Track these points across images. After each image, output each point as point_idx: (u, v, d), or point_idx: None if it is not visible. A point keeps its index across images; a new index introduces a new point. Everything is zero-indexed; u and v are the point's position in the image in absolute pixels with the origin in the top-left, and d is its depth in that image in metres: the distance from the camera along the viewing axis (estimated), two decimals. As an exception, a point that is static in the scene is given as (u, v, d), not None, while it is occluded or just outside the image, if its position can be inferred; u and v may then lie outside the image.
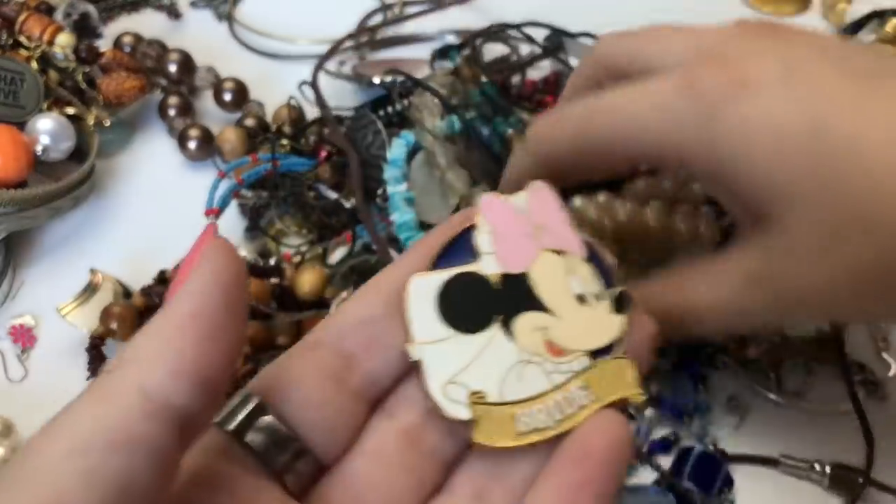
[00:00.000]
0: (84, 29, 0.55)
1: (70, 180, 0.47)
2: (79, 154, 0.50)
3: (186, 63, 0.56)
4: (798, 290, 0.29)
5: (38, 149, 0.47)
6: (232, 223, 0.47)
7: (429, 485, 0.24)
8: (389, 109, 0.47)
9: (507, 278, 0.24)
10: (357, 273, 0.42)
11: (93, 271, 0.44)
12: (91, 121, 0.51)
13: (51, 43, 0.51)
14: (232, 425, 0.22)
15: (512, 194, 0.26)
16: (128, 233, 0.49)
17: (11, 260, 0.47)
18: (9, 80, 0.47)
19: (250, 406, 0.22)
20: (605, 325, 0.25)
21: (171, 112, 0.55)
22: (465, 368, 0.23)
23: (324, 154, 0.48)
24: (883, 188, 0.26)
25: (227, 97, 0.55)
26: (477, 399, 0.23)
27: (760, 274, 0.30)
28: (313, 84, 0.52)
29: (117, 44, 0.58)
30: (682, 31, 0.33)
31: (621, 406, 0.24)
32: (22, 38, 0.51)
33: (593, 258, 0.25)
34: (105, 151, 0.53)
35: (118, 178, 0.53)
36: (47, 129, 0.47)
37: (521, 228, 0.25)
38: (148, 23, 0.64)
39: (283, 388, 0.23)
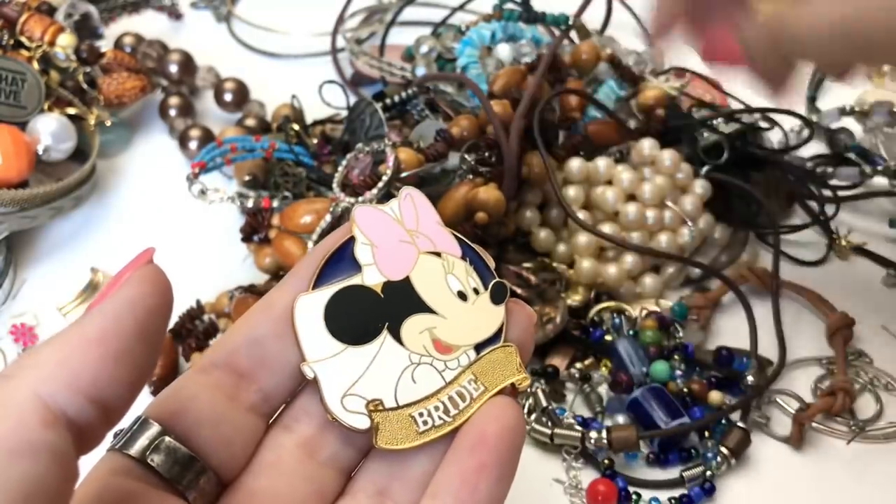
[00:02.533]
0: (85, 29, 0.56)
1: (71, 180, 0.47)
2: (80, 154, 0.50)
3: (187, 63, 0.57)
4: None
5: (40, 149, 0.47)
6: (231, 223, 0.47)
7: (329, 492, 0.25)
8: (388, 101, 0.48)
9: (390, 286, 0.25)
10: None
11: (94, 270, 0.44)
12: (92, 121, 0.51)
13: (52, 43, 0.51)
14: (134, 449, 0.22)
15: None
16: (128, 232, 0.49)
17: (13, 259, 0.47)
18: (10, 80, 0.47)
19: (152, 430, 0.23)
20: (486, 317, 0.25)
21: (172, 112, 0.55)
22: (359, 379, 0.24)
23: (326, 151, 0.49)
24: None
25: (228, 97, 0.56)
26: (374, 407, 0.24)
27: None
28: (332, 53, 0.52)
29: (118, 44, 0.58)
30: None
31: (510, 392, 0.25)
32: (23, 39, 0.51)
33: (468, 255, 0.26)
34: (106, 151, 0.53)
35: (119, 178, 0.53)
36: (49, 129, 0.47)
37: (396, 235, 0.26)
38: (149, 23, 0.65)
39: (181, 409, 0.23)
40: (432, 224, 0.26)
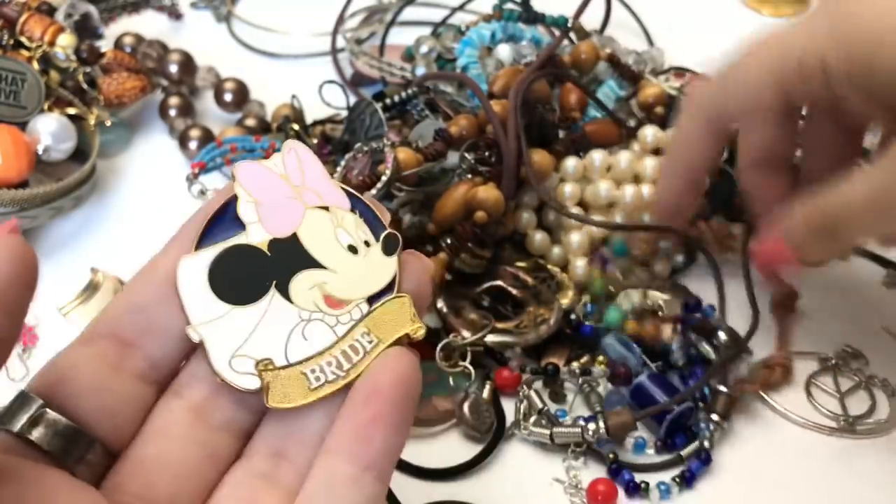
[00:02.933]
0: (85, 29, 0.56)
1: (71, 180, 0.47)
2: (80, 154, 0.50)
3: (187, 63, 0.57)
4: None
5: (40, 149, 0.47)
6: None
7: (224, 456, 0.24)
8: (388, 101, 0.48)
9: (276, 243, 0.25)
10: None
11: (94, 270, 0.44)
12: (92, 121, 0.51)
13: (52, 43, 0.51)
14: (15, 426, 0.22)
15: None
16: (128, 232, 0.50)
17: (13, 259, 0.47)
18: (10, 80, 0.47)
19: (33, 405, 0.22)
20: (378, 270, 0.25)
21: (172, 112, 0.55)
22: (247, 339, 0.24)
23: (326, 151, 0.49)
24: None
25: (228, 97, 0.56)
26: (264, 366, 0.23)
27: None
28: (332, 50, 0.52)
29: (118, 44, 0.58)
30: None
31: (406, 342, 0.25)
32: (23, 39, 0.51)
33: (357, 208, 0.26)
34: (106, 151, 0.53)
35: (119, 178, 0.53)
36: (49, 129, 0.47)
37: (281, 191, 0.25)
38: (149, 23, 0.65)
39: (62, 382, 0.23)
40: (319, 178, 0.26)
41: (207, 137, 0.53)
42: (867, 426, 0.40)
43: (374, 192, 0.39)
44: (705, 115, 0.38)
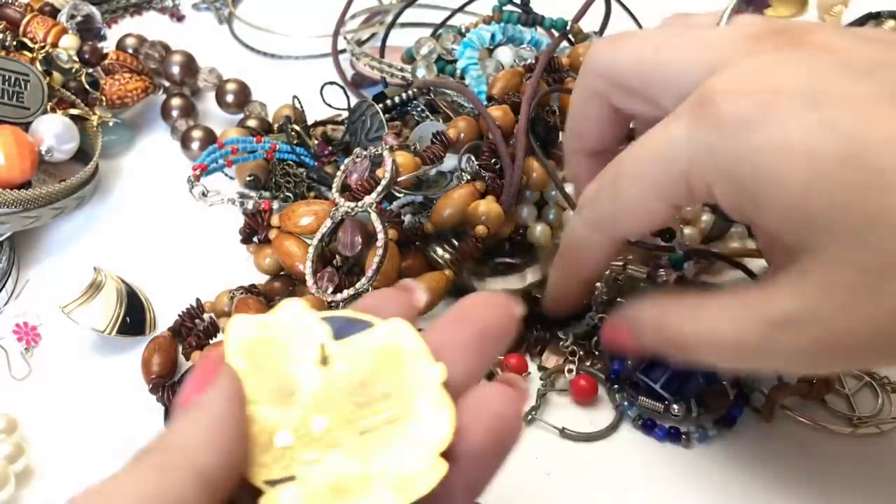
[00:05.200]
0: (87, 31, 0.56)
1: (74, 181, 0.48)
2: (82, 155, 0.50)
3: (189, 64, 0.57)
4: (833, 337, 0.27)
5: (43, 149, 0.47)
6: (233, 223, 0.47)
7: None
8: (388, 102, 0.48)
9: None
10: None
11: (96, 270, 0.44)
12: (95, 122, 0.51)
13: (55, 45, 0.52)
14: None
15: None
16: (130, 232, 0.50)
17: (16, 259, 0.47)
18: (13, 81, 0.48)
19: None
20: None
21: (174, 113, 0.55)
22: None
23: (326, 152, 0.49)
24: None
25: (230, 98, 0.56)
26: None
27: (791, 317, 0.27)
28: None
29: (120, 45, 0.58)
30: (685, 41, 0.31)
31: None
32: (26, 40, 0.51)
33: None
34: (108, 152, 0.54)
35: (121, 179, 0.53)
36: (51, 130, 0.48)
37: None
38: (151, 25, 0.65)
39: None
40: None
41: (209, 138, 0.53)
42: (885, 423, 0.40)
43: (374, 195, 0.40)
44: (600, 229, 0.34)
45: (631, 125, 0.38)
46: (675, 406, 0.38)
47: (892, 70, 0.26)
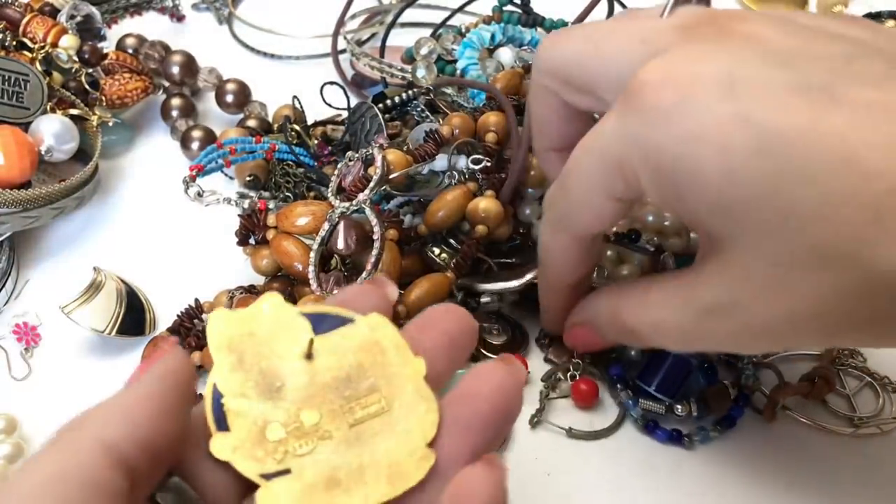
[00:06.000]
0: (87, 31, 0.56)
1: (73, 181, 0.47)
2: (82, 155, 0.50)
3: (189, 65, 0.57)
4: (756, 323, 0.28)
5: (43, 149, 0.47)
6: (233, 223, 0.47)
7: None
8: (388, 102, 0.48)
9: None
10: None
11: (96, 270, 0.44)
12: (94, 122, 0.51)
13: (55, 45, 0.52)
14: None
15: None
16: (130, 232, 0.50)
17: (16, 259, 0.47)
18: (13, 81, 0.47)
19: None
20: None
21: (174, 113, 0.55)
22: None
23: (326, 152, 0.49)
24: (839, 217, 0.24)
25: (230, 98, 0.56)
26: None
27: (716, 305, 0.28)
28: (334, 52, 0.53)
29: (120, 45, 0.58)
30: (624, 34, 0.31)
31: None
32: (26, 40, 0.51)
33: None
34: (108, 152, 0.54)
35: (121, 179, 0.53)
36: (51, 130, 0.48)
37: None
38: (151, 25, 0.65)
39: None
40: None
41: (209, 138, 0.53)
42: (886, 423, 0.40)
43: (366, 192, 0.40)
44: (560, 229, 0.35)
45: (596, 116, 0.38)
46: (679, 406, 0.38)
47: (811, 59, 0.26)
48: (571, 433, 0.39)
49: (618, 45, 0.31)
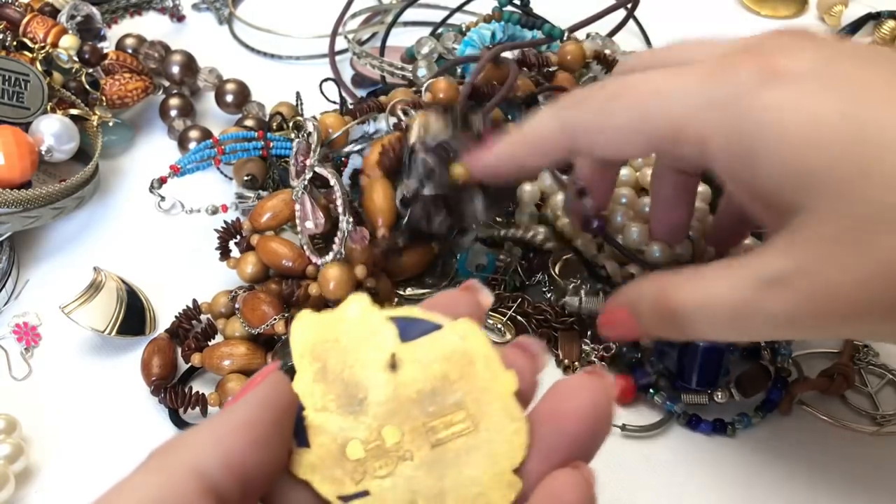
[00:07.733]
0: (87, 31, 0.56)
1: (74, 181, 0.48)
2: (82, 155, 0.50)
3: (189, 65, 0.57)
4: (824, 290, 0.27)
5: (43, 149, 0.47)
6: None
7: None
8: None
9: None
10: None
11: (96, 270, 0.44)
12: (95, 122, 0.51)
13: (55, 45, 0.52)
14: None
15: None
16: (130, 232, 0.50)
17: (16, 259, 0.47)
18: (13, 81, 0.48)
19: None
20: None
21: (173, 113, 0.55)
22: None
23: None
24: None
25: (229, 98, 0.56)
26: None
27: (781, 273, 0.27)
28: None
29: (120, 45, 0.58)
30: (712, 42, 0.33)
31: None
32: (26, 40, 0.51)
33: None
34: (108, 152, 0.54)
35: (121, 179, 0.53)
36: (51, 129, 0.48)
37: None
38: (151, 25, 0.65)
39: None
40: None
41: (206, 138, 0.53)
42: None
43: (311, 159, 0.41)
44: (567, 132, 0.34)
45: None
46: (719, 393, 0.39)
47: (890, 58, 0.29)
48: (625, 430, 0.39)
49: (709, 45, 0.32)
